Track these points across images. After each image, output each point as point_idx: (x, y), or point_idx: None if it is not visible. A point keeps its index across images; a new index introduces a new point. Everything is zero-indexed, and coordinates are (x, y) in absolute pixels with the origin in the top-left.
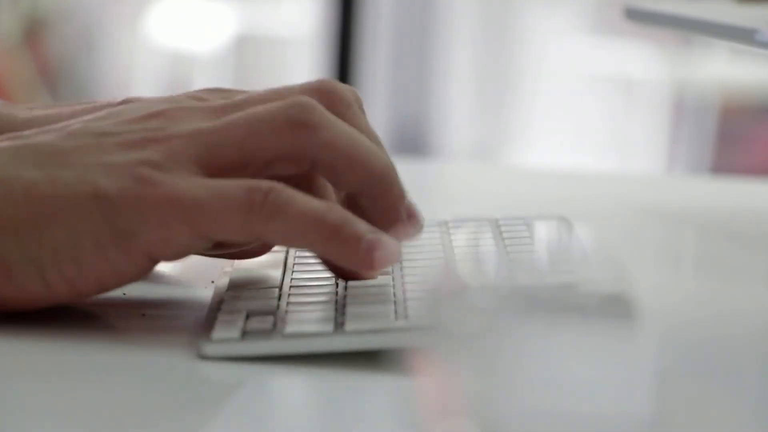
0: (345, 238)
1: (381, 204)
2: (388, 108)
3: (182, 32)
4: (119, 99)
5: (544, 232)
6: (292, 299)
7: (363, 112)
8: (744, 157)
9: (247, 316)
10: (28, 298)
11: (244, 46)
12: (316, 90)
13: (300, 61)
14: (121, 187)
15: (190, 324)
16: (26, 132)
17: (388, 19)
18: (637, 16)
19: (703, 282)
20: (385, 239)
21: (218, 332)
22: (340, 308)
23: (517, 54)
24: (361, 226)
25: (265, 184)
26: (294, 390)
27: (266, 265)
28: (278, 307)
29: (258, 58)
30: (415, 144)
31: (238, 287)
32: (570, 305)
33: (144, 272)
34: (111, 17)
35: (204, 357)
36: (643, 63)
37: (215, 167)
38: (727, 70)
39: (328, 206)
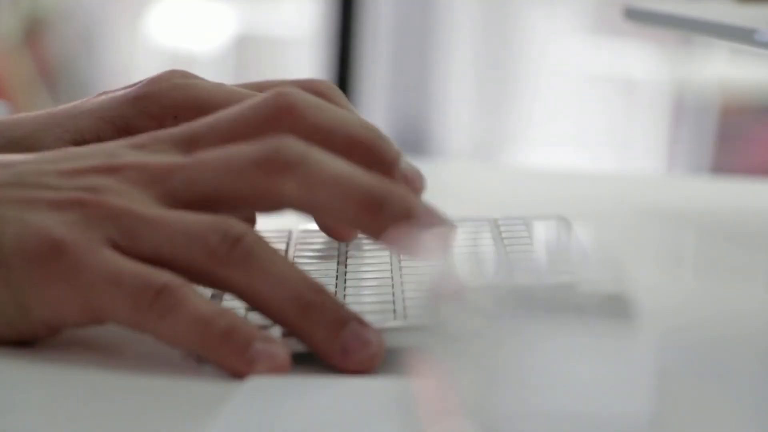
0: (230, 348)
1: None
2: (388, 108)
3: (182, 32)
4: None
5: (543, 232)
6: None
7: (313, 156)
8: (744, 157)
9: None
10: None
11: (244, 46)
12: (260, 161)
13: (300, 61)
14: (24, 256)
15: None
16: None
17: (388, 19)
18: (637, 16)
19: (702, 282)
20: (273, 350)
21: None
22: None
23: (517, 54)
24: (247, 334)
25: (160, 278)
26: (294, 390)
27: None
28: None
29: (258, 58)
30: (415, 144)
31: None
32: (569, 305)
33: (48, 336)
34: (111, 17)
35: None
36: (643, 63)
37: (128, 253)
38: (727, 70)
39: (218, 312)
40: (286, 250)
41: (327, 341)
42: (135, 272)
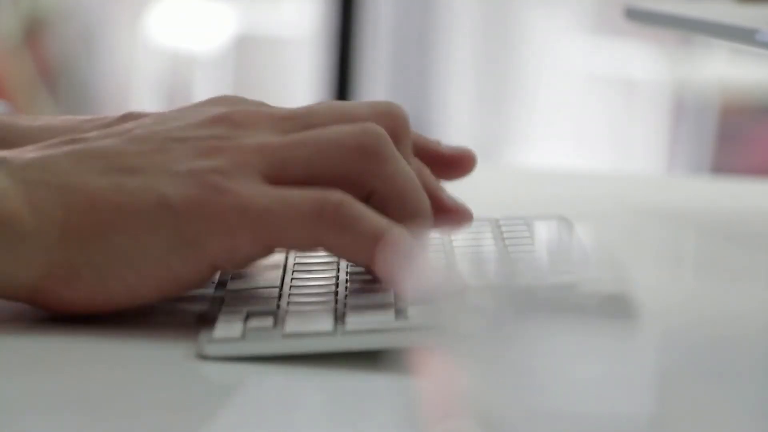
0: (401, 260)
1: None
2: None
3: (182, 32)
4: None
5: (544, 232)
6: (292, 299)
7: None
8: (744, 157)
9: (247, 316)
10: (88, 303)
11: (244, 46)
12: (385, 114)
13: (300, 61)
14: (187, 196)
15: (191, 323)
16: (86, 135)
17: (388, 19)
18: (637, 16)
19: (703, 282)
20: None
21: (218, 332)
22: (340, 308)
23: (517, 54)
24: (419, 246)
25: (334, 196)
26: (294, 390)
27: (266, 265)
28: (278, 307)
29: (258, 58)
30: None
31: (239, 287)
32: (570, 305)
33: (206, 280)
34: (111, 17)
35: (204, 357)
36: (643, 63)
37: (281, 181)
38: (727, 70)
39: (391, 225)
40: (287, 251)
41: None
42: (307, 194)
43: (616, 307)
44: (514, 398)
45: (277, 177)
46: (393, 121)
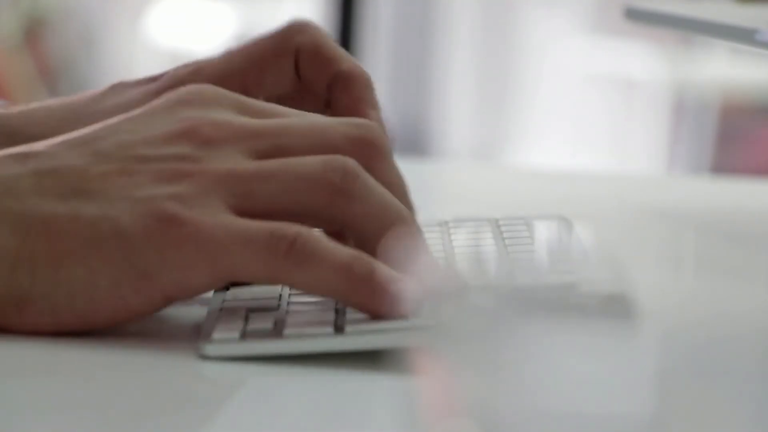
0: (371, 290)
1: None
2: (388, 108)
3: (182, 32)
4: (106, 87)
5: (544, 232)
6: (292, 299)
7: (392, 158)
8: (744, 157)
9: (247, 316)
10: (37, 328)
11: None
12: (359, 140)
13: None
14: (143, 226)
15: (191, 324)
16: (52, 149)
17: (388, 19)
18: (637, 16)
19: (703, 282)
20: (413, 286)
21: (219, 332)
22: (340, 308)
23: (516, 54)
24: (388, 275)
25: (291, 230)
26: (294, 390)
27: None
28: (278, 307)
29: None
30: (415, 144)
31: (239, 287)
32: (570, 305)
33: (158, 309)
34: (111, 17)
35: (204, 357)
36: (643, 63)
37: (245, 211)
38: (727, 70)
39: (355, 256)
40: None
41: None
42: (263, 227)
43: (616, 307)
44: (514, 398)
45: (242, 207)
46: (367, 147)
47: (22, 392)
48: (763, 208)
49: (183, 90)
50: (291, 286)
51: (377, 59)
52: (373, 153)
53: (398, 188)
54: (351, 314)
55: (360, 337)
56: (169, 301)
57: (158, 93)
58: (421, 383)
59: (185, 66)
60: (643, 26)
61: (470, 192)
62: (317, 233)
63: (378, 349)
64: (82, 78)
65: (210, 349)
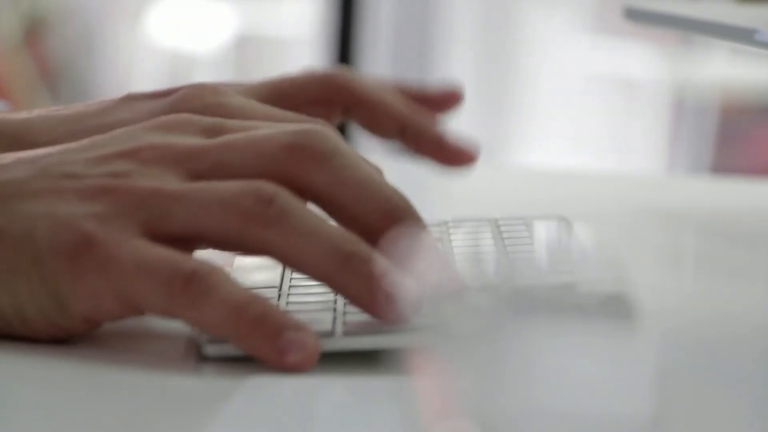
0: (262, 334)
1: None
2: None
3: (182, 32)
4: (118, 98)
5: (543, 232)
6: (292, 299)
7: (346, 152)
8: (744, 157)
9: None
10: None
11: (244, 46)
12: (292, 147)
13: (300, 61)
14: (58, 252)
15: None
16: (7, 160)
17: (388, 19)
18: (637, 16)
19: (702, 282)
20: (306, 340)
21: None
22: (339, 308)
23: (516, 54)
24: (280, 321)
25: (188, 265)
26: (294, 390)
27: (266, 265)
28: (278, 307)
29: (258, 58)
30: None
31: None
32: (570, 305)
33: (89, 331)
34: (111, 17)
35: (204, 357)
36: (643, 63)
37: (162, 234)
38: (727, 70)
39: (250, 298)
40: None
41: (367, 292)
42: (163, 259)
43: (616, 307)
44: (514, 398)
45: (157, 229)
46: (301, 153)
47: (21, 392)
48: (762, 208)
49: (158, 118)
50: (186, 323)
51: (378, 59)
52: (308, 158)
53: (348, 187)
54: (350, 315)
55: (359, 337)
56: (93, 323)
57: (170, 109)
58: (421, 384)
59: (202, 84)
60: (643, 26)
61: (470, 192)
62: (217, 270)
63: (377, 349)
64: (82, 78)
65: (210, 349)
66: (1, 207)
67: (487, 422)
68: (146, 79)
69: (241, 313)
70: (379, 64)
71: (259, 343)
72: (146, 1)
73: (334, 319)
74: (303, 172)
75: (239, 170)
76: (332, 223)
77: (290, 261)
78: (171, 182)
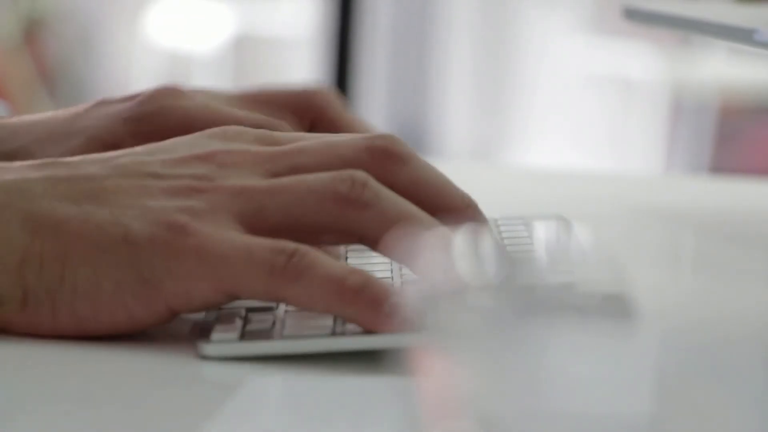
0: (365, 302)
1: None
2: (387, 108)
3: (181, 32)
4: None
5: (543, 232)
6: None
7: (419, 156)
8: (743, 157)
9: (247, 316)
10: (33, 328)
11: (243, 46)
12: (371, 149)
13: (299, 61)
14: (152, 234)
15: (190, 324)
16: (71, 160)
17: (388, 19)
18: (636, 15)
19: (702, 282)
20: (408, 301)
21: (218, 332)
22: None
23: (515, 54)
24: (381, 289)
25: (290, 245)
26: (294, 390)
27: None
28: (278, 307)
29: (257, 58)
30: (415, 144)
31: None
32: (569, 305)
33: (161, 322)
34: (110, 17)
35: (204, 357)
36: (642, 63)
37: (257, 228)
38: (726, 70)
39: (349, 270)
40: None
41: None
42: (264, 243)
43: (615, 307)
44: (514, 398)
45: (252, 223)
46: (380, 154)
47: (21, 392)
48: (761, 208)
49: (208, 129)
50: (287, 303)
51: (377, 59)
52: (388, 159)
53: (426, 186)
54: None
55: (359, 337)
56: (173, 313)
57: (136, 110)
58: (421, 384)
59: (165, 86)
60: (642, 26)
61: (470, 192)
62: (313, 249)
63: (377, 349)
64: (80, 78)
65: (209, 349)
66: (82, 197)
67: (487, 422)
68: (145, 80)
69: (344, 285)
70: (378, 65)
71: (363, 312)
72: (145, 2)
73: (334, 319)
74: (384, 172)
75: (317, 171)
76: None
77: (373, 241)
78: (256, 180)
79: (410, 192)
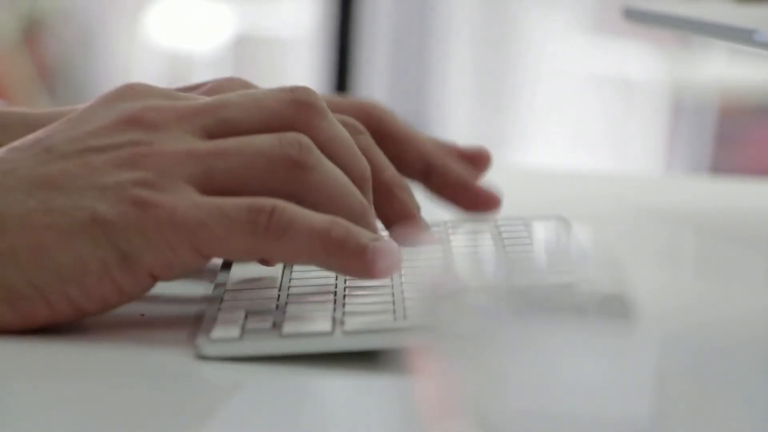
0: (350, 251)
1: None
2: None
3: (181, 32)
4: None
5: (542, 232)
6: (292, 299)
7: (330, 113)
8: (743, 157)
9: (247, 316)
10: (30, 321)
11: (244, 46)
12: (294, 102)
13: (299, 61)
14: (121, 212)
15: (190, 324)
16: (2, 154)
17: (388, 19)
18: (636, 16)
19: (702, 282)
20: (388, 246)
21: (218, 332)
22: (339, 308)
23: (515, 54)
24: (364, 235)
25: (267, 203)
26: (294, 390)
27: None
28: (278, 306)
29: (257, 59)
30: None
31: (238, 287)
32: (569, 305)
33: (146, 290)
34: (110, 17)
35: (203, 357)
36: (642, 63)
37: (208, 190)
38: (726, 71)
39: (331, 220)
40: None
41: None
42: (239, 203)
43: (615, 308)
44: (513, 398)
45: (203, 185)
46: (304, 107)
47: (20, 393)
48: (761, 208)
49: (113, 88)
50: (271, 258)
51: (377, 59)
52: (310, 112)
53: (343, 143)
54: (350, 314)
55: (359, 337)
56: (156, 279)
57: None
58: (420, 383)
59: (130, 84)
60: (642, 26)
61: None
62: (290, 204)
63: (377, 349)
64: (81, 78)
65: (208, 348)
66: (33, 188)
67: (487, 422)
68: (145, 79)
69: (328, 237)
70: (378, 65)
71: (348, 261)
72: (145, 2)
73: (334, 319)
74: (308, 126)
75: (247, 125)
76: None
77: (324, 200)
78: (197, 142)
79: (326, 148)
